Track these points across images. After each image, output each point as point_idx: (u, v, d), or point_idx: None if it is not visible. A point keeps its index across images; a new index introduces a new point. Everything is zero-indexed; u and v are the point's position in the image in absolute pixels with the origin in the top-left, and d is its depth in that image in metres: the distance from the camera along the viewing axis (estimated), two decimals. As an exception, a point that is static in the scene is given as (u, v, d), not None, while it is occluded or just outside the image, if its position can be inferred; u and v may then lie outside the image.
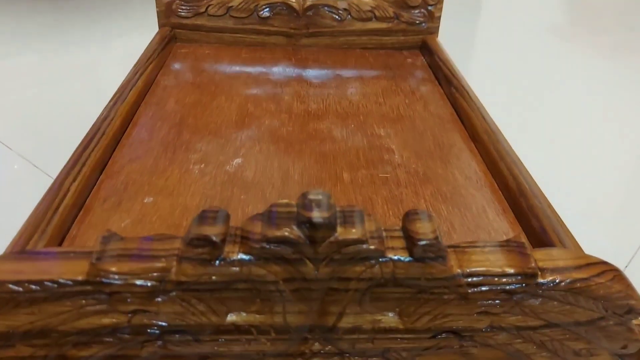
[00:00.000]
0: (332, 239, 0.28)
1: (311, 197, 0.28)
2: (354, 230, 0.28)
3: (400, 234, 0.29)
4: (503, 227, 0.44)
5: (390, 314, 0.31)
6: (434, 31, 0.79)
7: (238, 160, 0.51)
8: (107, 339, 0.30)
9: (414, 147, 0.55)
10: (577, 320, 0.31)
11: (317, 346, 0.32)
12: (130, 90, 0.59)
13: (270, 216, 0.29)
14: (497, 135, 0.54)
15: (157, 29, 0.76)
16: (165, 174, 0.49)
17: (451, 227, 0.44)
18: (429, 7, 0.78)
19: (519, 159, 0.51)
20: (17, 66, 1.12)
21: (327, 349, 0.32)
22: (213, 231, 0.28)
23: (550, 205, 0.44)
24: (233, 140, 0.54)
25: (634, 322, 0.31)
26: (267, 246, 0.28)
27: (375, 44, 0.79)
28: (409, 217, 0.30)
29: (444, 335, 0.31)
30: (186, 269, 0.28)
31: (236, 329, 0.30)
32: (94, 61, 1.11)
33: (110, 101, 0.56)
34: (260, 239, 0.28)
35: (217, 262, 0.28)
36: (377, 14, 0.78)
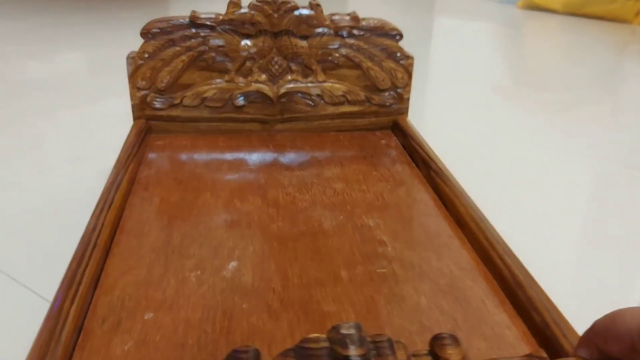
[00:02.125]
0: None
1: (344, 331, 0.29)
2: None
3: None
4: (504, 320, 0.45)
5: None
6: (404, 112, 0.82)
7: (234, 264, 0.51)
8: None
9: (404, 238, 0.56)
10: None
11: None
12: (115, 193, 0.58)
13: (302, 354, 0.29)
14: (483, 222, 0.56)
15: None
16: (161, 286, 0.48)
17: (455, 324, 0.45)
18: (398, 90, 0.81)
19: (508, 246, 0.52)
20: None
21: None
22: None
23: (547, 297, 0.45)
24: (225, 241, 0.54)
25: None
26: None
27: (349, 126, 0.81)
28: (436, 342, 0.30)
29: None
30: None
31: None
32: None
33: (96, 208, 0.55)
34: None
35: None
36: (349, 97, 0.80)
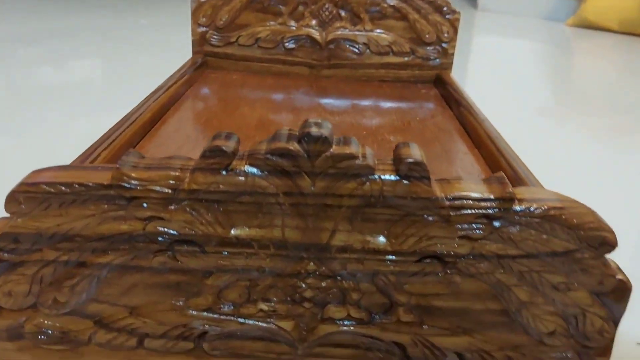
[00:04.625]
0: (327, 153, 0.31)
1: (311, 120, 0.32)
2: (348, 148, 0.32)
3: (390, 160, 0.33)
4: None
5: (379, 236, 0.34)
6: (448, 67, 0.85)
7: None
8: (123, 247, 0.34)
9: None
10: (554, 250, 0.33)
11: (312, 266, 0.34)
12: (163, 93, 0.65)
13: (274, 136, 0.33)
14: (499, 140, 0.57)
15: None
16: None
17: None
18: (443, 44, 0.83)
19: (519, 158, 0.54)
20: None
21: (321, 269, 0.34)
22: (225, 144, 0.32)
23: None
24: (251, 139, 0.59)
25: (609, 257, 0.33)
26: (271, 157, 0.31)
27: (392, 77, 0.85)
28: (399, 146, 0.33)
29: (428, 260, 0.34)
30: (198, 177, 0.32)
31: (239, 242, 0.33)
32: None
33: (141, 101, 0.62)
34: (264, 152, 0.32)
35: (226, 171, 0.32)
36: (394, 49, 0.84)
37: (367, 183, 0.32)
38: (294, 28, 0.83)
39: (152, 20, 1.71)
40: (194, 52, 0.84)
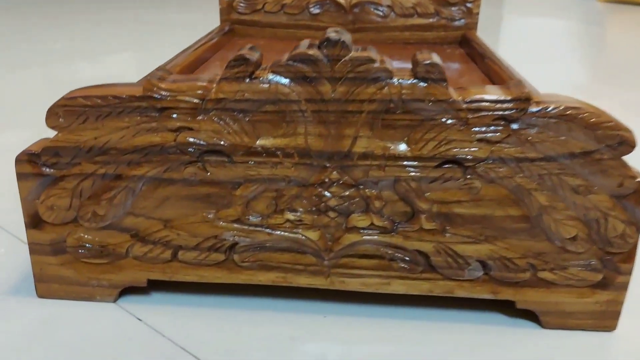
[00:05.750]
0: (347, 57, 0.33)
1: (331, 29, 0.34)
2: (367, 53, 0.33)
3: (408, 67, 0.34)
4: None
5: (400, 142, 0.35)
6: (473, 27, 0.85)
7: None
8: (156, 159, 0.35)
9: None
10: (572, 151, 0.34)
11: (335, 175, 0.36)
12: (187, 56, 0.67)
13: (296, 46, 0.34)
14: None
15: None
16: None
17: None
18: (468, 4, 0.84)
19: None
20: None
21: (344, 178, 0.36)
22: (249, 53, 0.34)
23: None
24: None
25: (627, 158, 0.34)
26: (292, 63, 0.33)
27: (417, 39, 0.85)
28: (417, 53, 0.34)
29: (448, 165, 0.35)
30: (224, 86, 0.34)
31: (264, 151, 0.35)
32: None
33: (164, 62, 0.64)
34: (286, 59, 0.33)
35: (250, 79, 0.33)
36: (418, 10, 0.84)
37: (386, 87, 0.33)
38: (319, -8, 0.84)
39: (185, 16, 1.75)
40: (221, 21, 0.86)
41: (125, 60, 1.45)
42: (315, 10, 0.84)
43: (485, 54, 0.71)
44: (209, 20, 0.84)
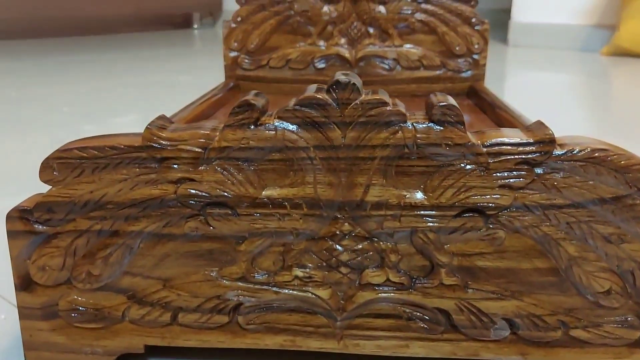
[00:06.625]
0: (357, 101, 0.31)
1: (340, 72, 0.32)
2: (378, 96, 0.31)
3: (421, 109, 0.32)
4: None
5: (416, 190, 0.32)
6: (480, 78, 0.84)
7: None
8: (155, 213, 0.33)
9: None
10: (602, 197, 0.31)
11: (346, 227, 0.33)
12: (190, 112, 0.66)
13: (304, 91, 0.32)
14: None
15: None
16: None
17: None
18: (474, 56, 0.83)
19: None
20: None
21: (356, 230, 0.33)
22: (254, 100, 0.32)
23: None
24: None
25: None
26: (299, 108, 0.31)
27: (424, 90, 0.84)
28: (430, 96, 0.33)
29: (469, 214, 0.32)
30: (227, 134, 0.32)
31: (271, 202, 0.33)
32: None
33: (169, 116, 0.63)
34: (293, 103, 0.31)
35: (255, 126, 0.32)
36: (424, 63, 0.84)
37: (400, 132, 0.31)
38: (324, 48, 0.84)
39: (191, 78, 1.76)
40: (226, 77, 0.86)
41: (131, 122, 1.46)
42: (320, 64, 0.84)
43: (496, 103, 0.70)
44: (218, 82, 0.84)
